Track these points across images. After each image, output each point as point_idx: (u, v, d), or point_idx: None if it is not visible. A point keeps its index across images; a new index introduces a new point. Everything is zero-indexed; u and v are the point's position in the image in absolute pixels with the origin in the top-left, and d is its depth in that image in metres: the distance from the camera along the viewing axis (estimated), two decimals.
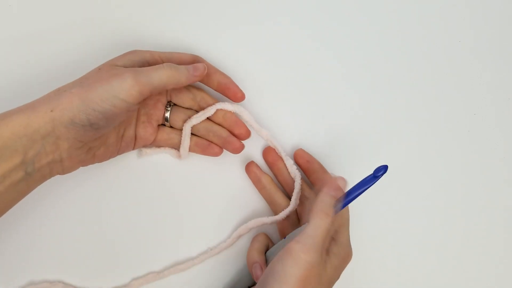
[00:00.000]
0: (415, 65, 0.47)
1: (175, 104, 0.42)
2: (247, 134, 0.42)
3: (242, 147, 0.42)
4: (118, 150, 0.40)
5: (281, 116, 0.45)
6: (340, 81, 0.46)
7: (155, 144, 0.42)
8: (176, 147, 0.42)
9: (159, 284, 0.42)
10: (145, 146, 0.42)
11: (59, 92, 0.34)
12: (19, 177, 0.33)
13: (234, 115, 0.42)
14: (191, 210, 0.43)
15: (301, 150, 0.43)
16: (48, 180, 0.41)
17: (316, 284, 0.33)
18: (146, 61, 0.38)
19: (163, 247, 0.43)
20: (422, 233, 0.45)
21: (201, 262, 0.42)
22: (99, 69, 0.36)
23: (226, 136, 0.41)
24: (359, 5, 0.47)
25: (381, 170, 0.33)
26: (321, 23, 0.46)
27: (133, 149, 0.41)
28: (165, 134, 0.42)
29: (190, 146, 0.42)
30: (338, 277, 0.36)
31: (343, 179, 0.36)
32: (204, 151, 0.42)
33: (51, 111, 0.33)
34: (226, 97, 0.41)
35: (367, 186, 0.34)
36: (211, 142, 0.42)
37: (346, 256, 0.37)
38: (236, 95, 0.40)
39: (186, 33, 0.45)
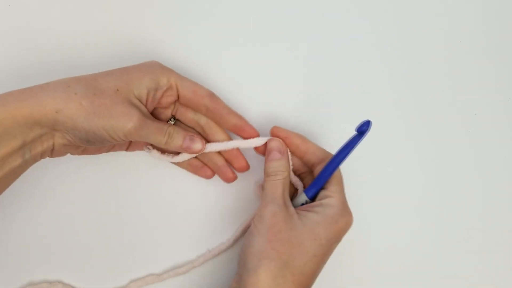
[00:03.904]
0: (415, 65, 0.47)
1: (177, 120, 0.42)
2: (246, 168, 0.41)
3: (235, 178, 0.42)
4: (111, 149, 0.40)
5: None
6: (339, 81, 0.46)
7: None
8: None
9: (158, 286, 0.42)
10: (138, 150, 0.42)
11: (68, 91, 0.33)
12: (18, 163, 0.33)
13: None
14: (190, 212, 0.43)
15: (276, 127, 0.40)
16: (48, 181, 0.42)
17: (287, 229, 0.34)
18: (161, 87, 0.37)
19: (162, 249, 0.43)
20: (420, 232, 0.45)
21: (200, 264, 0.42)
22: (117, 90, 0.35)
23: (220, 165, 0.41)
24: (355, 4, 0.47)
25: (364, 125, 0.34)
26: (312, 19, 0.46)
27: (126, 150, 0.41)
28: None
29: (183, 163, 0.42)
30: (330, 235, 0.35)
31: (274, 139, 0.39)
32: (196, 172, 0.42)
33: (56, 112, 0.33)
34: (240, 136, 0.40)
35: (354, 145, 0.36)
36: (205, 164, 0.42)
37: (337, 217, 0.35)
38: (252, 137, 0.40)
39: (196, 40, 0.45)
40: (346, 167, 0.44)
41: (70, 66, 0.43)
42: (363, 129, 0.35)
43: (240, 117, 0.40)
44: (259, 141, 0.40)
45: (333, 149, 0.39)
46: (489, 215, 0.45)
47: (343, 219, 0.36)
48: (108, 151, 0.40)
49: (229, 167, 0.41)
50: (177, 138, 0.37)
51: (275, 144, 0.39)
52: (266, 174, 0.38)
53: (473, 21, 0.48)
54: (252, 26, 0.46)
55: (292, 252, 0.34)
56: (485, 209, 0.45)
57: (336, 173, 0.38)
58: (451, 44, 0.47)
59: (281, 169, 0.38)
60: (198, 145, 0.38)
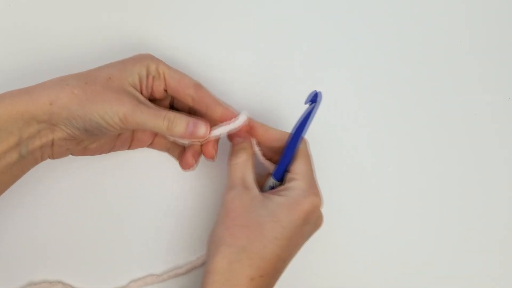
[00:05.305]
0: (415, 65, 0.47)
1: (176, 109, 0.41)
2: (212, 155, 0.39)
3: (191, 166, 0.40)
4: (112, 148, 0.40)
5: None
6: (339, 80, 0.46)
7: (152, 146, 0.42)
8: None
9: (158, 286, 0.42)
10: (141, 147, 0.42)
11: (61, 84, 0.34)
12: (14, 159, 0.33)
13: None
14: (190, 212, 0.43)
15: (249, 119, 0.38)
16: (48, 181, 0.42)
17: (245, 213, 0.34)
18: (150, 73, 0.37)
19: (162, 249, 0.43)
20: (420, 232, 0.45)
21: (200, 264, 0.42)
22: (109, 78, 0.35)
23: (187, 148, 0.40)
24: (355, 4, 0.47)
25: (313, 96, 0.34)
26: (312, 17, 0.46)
27: (128, 149, 0.41)
28: (163, 137, 0.41)
29: (162, 146, 0.42)
30: (292, 217, 0.34)
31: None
32: (178, 158, 0.41)
33: (50, 104, 0.33)
34: None
35: (308, 117, 0.35)
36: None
37: (300, 199, 0.35)
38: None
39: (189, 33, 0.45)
40: (346, 167, 0.44)
41: (70, 65, 0.42)
42: (313, 99, 0.34)
43: (226, 107, 0.38)
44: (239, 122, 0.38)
45: None
46: (489, 215, 0.45)
47: (307, 200, 0.35)
48: (109, 150, 0.40)
49: (191, 154, 0.40)
50: (180, 124, 0.36)
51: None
52: (228, 160, 0.38)
53: (473, 21, 0.48)
54: (252, 26, 0.46)
55: (250, 236, 0.33)
56: (485, 209, 0.45)
57: (302, 152, 0.37)
58: (451, 44, 0.47)
59: (239, 152, 0.37)
60: (202, 129, 0.36)
